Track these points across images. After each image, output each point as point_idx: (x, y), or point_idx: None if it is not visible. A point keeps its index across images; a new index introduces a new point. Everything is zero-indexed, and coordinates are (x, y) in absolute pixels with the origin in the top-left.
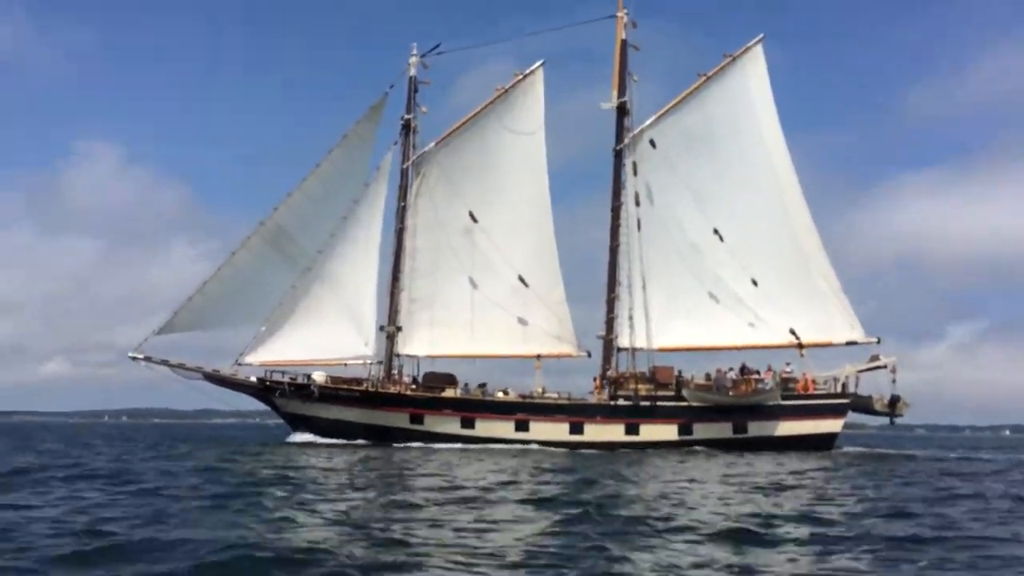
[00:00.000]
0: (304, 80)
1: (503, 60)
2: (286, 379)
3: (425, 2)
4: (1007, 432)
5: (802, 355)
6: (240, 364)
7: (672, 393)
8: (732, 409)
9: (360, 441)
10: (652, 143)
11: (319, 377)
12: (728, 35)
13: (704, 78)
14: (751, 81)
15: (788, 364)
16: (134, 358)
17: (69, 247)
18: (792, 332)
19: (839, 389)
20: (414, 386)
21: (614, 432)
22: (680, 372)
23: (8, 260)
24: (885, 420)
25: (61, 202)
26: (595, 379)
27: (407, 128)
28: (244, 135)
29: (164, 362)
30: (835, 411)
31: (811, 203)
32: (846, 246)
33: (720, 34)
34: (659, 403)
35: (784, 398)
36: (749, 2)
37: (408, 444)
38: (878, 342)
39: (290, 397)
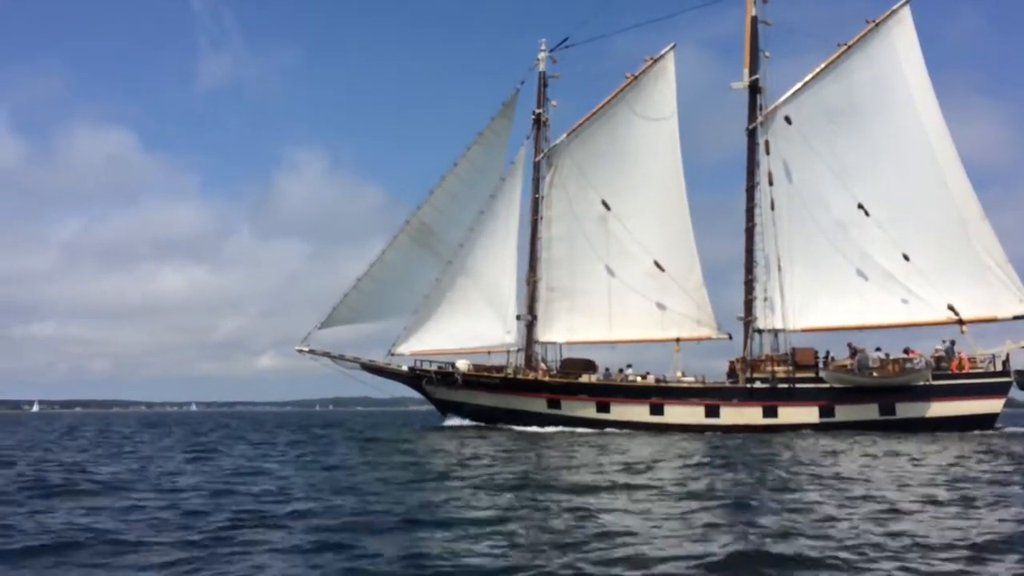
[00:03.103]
0: (479, 86)
1: (634, 46)
2: (433, 367)
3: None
4: None
5: (963, 331)
6: (392, 354)
7: (813, 375)
8: (878, 390)
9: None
10: (787, 119)
11: (462, 365)
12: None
13: (844, 48)
14: (897, 46)
15: (944, 341)
16: (300, 351)
17: (283, 249)
18: (950, 308)
19: (999, 367)
20: (552, 372)
21: (751, 415)
22: (828, 353)
23: (232, 262)
24: None
25: (275, 208)
26: (730, 362)
27: (538, 122)
28: (431, 138)
29: (326, 354)
30: (994, 390)
31: None
32: None
33: None
34: (798, 385)
35: (936, 378)
36: None
37: (547, 427)
38: None
39: (437, 384)
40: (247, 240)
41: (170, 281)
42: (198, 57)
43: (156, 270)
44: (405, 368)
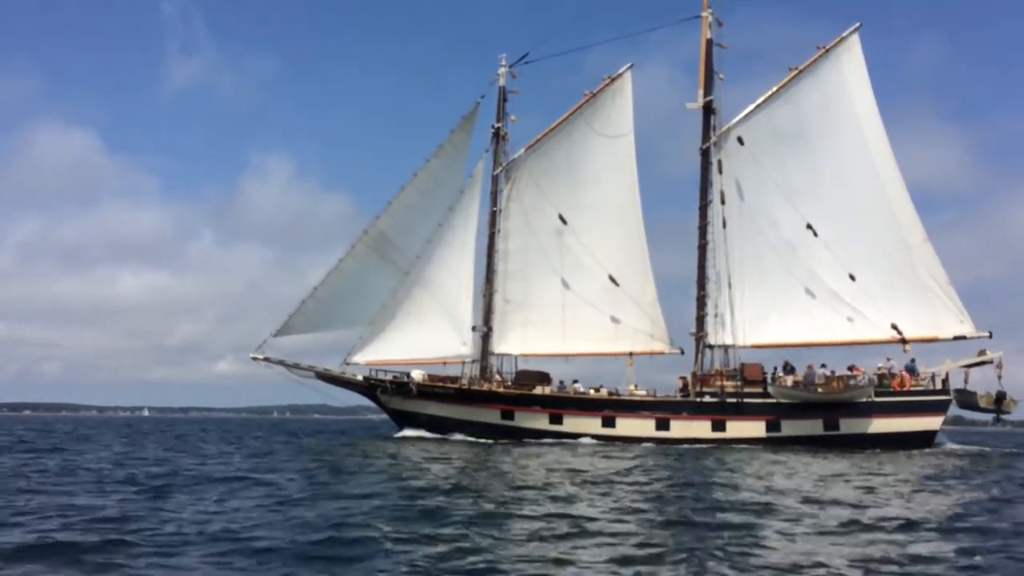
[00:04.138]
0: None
1: (603, 62)
2: (388, 377)
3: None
4: None
5: (906, 350)
6: (348, 364)
7: (761, 390)
8: (823, 406)
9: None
10: (740, 140)
11: (417, 375)
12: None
13: (794, 72)
14: (846, 72)
15: (888, 359)
16: (255, 358)
17: (246, 255)
18: (894, 327)
19: (939, 385)
20: (507, 384)
21: (700, 429)
22: (776, 369)
23: (192, 267)
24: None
25: (240, 213)
26: (681, 377)
27: (497, 136)
28: (400, 148)
29: (280, 362)
30: (933, 408)
31: (984, 193)
32: (1022, 234)
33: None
34: (746, 400)
35: (879, 395)
36: None
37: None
38: (989, 336)
39: (392, 394)
40: (209, 245)
41: (128, 284)
42: (167, 61)
43: (114, 273)
44: (360, 377)
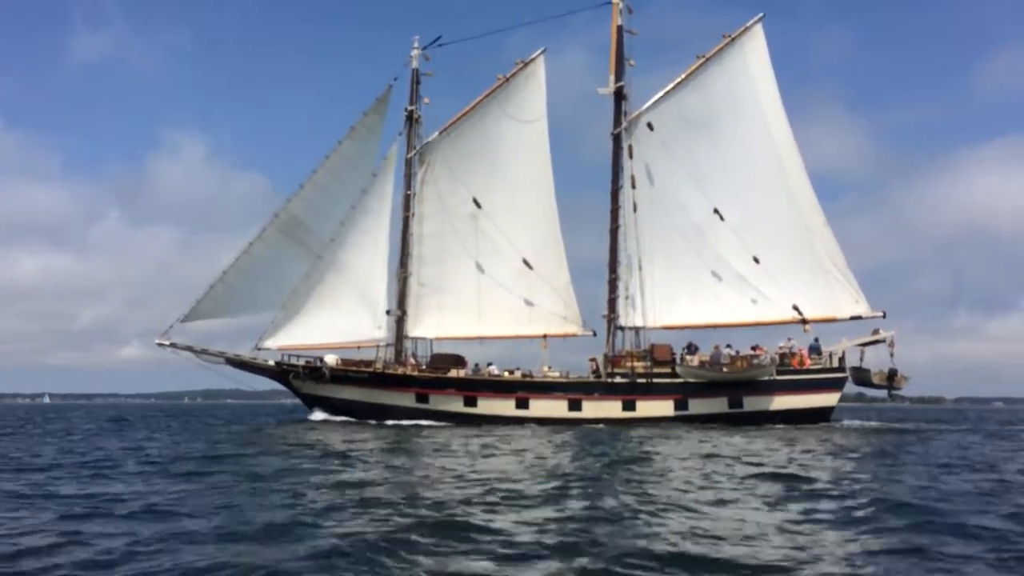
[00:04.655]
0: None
1: (513, 48)
2: (300, 362)
3: None
4: None
5: (806, 331)
6: (260, 348)
7: (669, 371)
8: (728, 384)
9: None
10: (650, 126)
11: (330, 360)
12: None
13: (701, 60)
14: (750, 61)
15: (789, 339)
16: (160, 344)
17: (155, 236)
18: (795, 308)
19: (836, 364)
20: (421, 367)
21: (611, 409)
22: (684, 349)
23: (98, 248)
24: None
25: (149, 193)
26: (592, 359)
27: (410, 119)
28: (316, 129)
29: (188, 348)
30: (831, 385)
31: (882, 179)
32: (917, 220)
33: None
34: (655, 380)
35: (780, 373)
36: None
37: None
38: (883, 316)
39: (304, 379)
40: (116, 225)
41: (27, 266)
42: (73, 33)
43: (12, 254)
44: (272, 363)
